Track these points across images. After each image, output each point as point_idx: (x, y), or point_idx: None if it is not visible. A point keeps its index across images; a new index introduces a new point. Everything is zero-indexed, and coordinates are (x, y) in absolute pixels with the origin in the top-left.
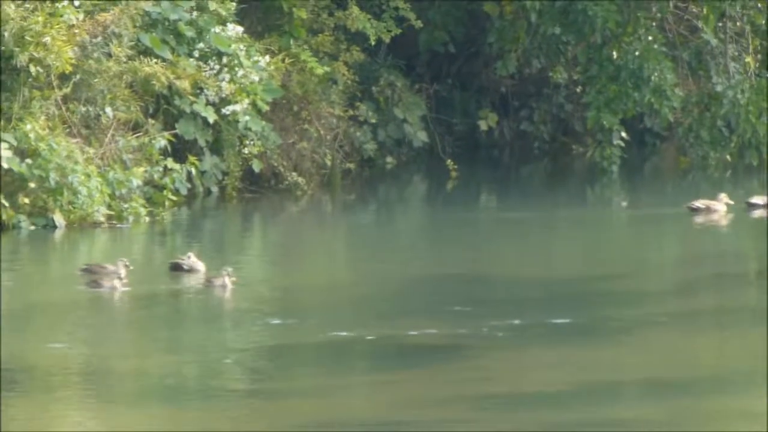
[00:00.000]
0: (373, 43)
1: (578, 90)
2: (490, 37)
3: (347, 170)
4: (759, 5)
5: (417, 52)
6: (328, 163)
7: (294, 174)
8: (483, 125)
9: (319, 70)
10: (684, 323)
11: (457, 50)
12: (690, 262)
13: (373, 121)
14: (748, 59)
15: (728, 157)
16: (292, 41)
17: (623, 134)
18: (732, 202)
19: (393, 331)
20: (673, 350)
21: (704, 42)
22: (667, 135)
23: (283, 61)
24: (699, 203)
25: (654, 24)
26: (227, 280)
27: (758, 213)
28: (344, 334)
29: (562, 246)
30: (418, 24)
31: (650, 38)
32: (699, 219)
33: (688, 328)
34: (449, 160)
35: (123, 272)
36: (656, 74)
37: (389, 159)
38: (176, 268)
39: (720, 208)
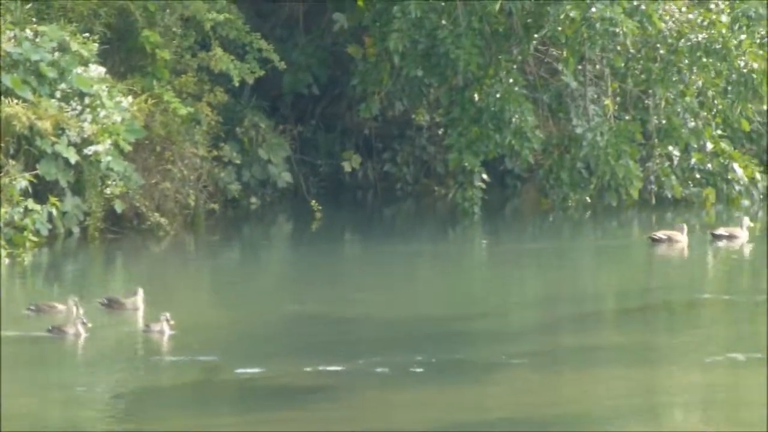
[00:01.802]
0: (236, 84)
1: (440, 132)
2: (353, 79)
3: (211, 211)
4: (618, 48)
5: (281, 93)
6: (192, 203)
7: (156, 214)
8: (347, 166)
9: (183, 111)
10: (545, 362)
11: (321, 92)
12: (552, 300)
13: (237, 161)
14: (607, 102)
15: (588, 198)
16: (155, 82)
17: (484, 176)
18: (688, 234)
19: (261, 372)
20: (535, 389)
21: (564, 84)
22: (527, 176)
23: (146, 101)
24: (661, 234)
25: (515, 66)
26: (165, 326)
27: (722, 244)
28: (210, 375)
29: (425, 286)
30: (282, 65)
31: (511, 81)
32: (660, 250)
33: (550, 367)
34: (313, 201)
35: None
36: (517, 116)
37: (253, 200)
38: (112, 304)
39: (682, 239)
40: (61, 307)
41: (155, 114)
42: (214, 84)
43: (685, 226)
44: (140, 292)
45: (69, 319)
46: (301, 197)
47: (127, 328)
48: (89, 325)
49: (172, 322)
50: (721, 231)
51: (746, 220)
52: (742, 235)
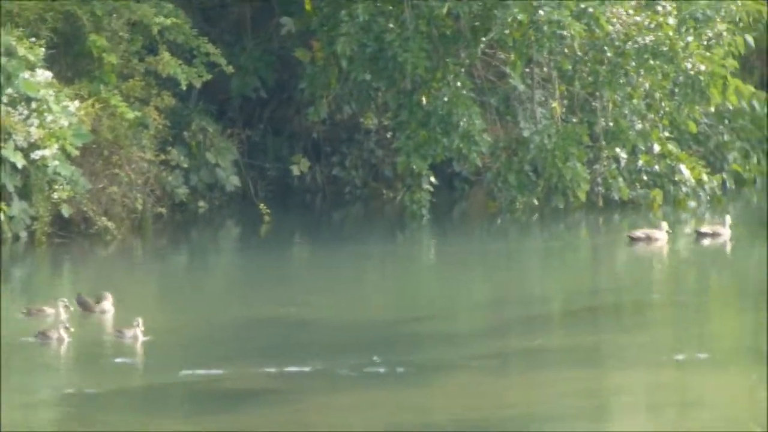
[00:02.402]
0: (184, 88)
1: (389, 135)
2: (301, 82)
3: (158, 215)
4: (565, 51)
5: (228, 97)
6: (139, 207)
7: (104, 219)
8: (295, 170)
9: (130, 115)
10: (493, 364)
11: (268, 96)
12: (500, 303)
13: (185, 165)
14: (555, 105)
15: (535, 201)
16: (102, 86)
17: (432, 179)
18: (671, 231)
19: (211, 374)
20: (482, 391)
21: (512, 87)
22: (475, 179)
23: (93, 106)
24: (639, 233)
25: (463, 70)
26: (138, 332)
27: (707, 242)
28: (160, 379)
29: (374, 289)
30: (230, 69)
31: (459, 84)
32: (639, 248)
33: (498, 369)
34: (262, 205)
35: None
36: (465, 120)
37: (201, 203)
38: (83, 305)
39: (661, 236)
40: (50, 310)
41: (102, 118)
42: (161, 88)
43: (665, 224)
44: (109, 296)
45: (55, 324)
46: (250, 201)
47: (103, 332)
48: (71, 330)
49: (142, 329)
50: (705, 229)
51: (728, 218)
52: (725, 232)
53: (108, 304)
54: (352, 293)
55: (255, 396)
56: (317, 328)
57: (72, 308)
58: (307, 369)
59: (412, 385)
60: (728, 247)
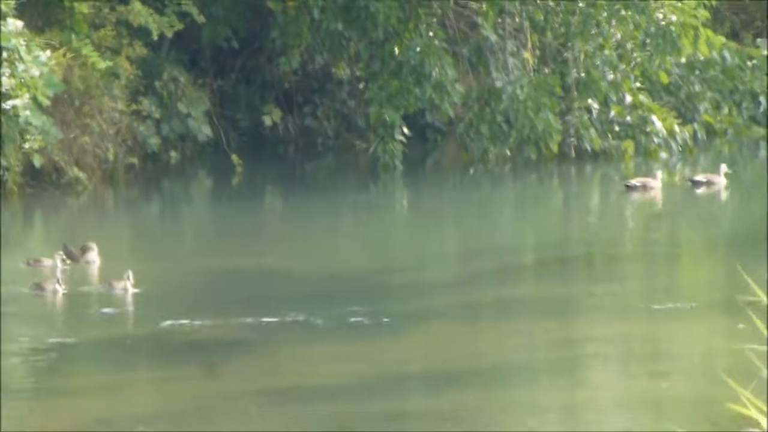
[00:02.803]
0: (155, 38)
1: (361, 86)
2: (273, 32)
3: (130, 165)
4: (537, 1)
5: (200, 47)
6: (111, 158)
7: (75, 169)
8: (267, 120)
9: (101, 65)
10: (464, 315)
11: (240, 46)
12: (472, 254)
13: (157, 115)
14: (527, 55)
15: (507, 151)
16: (73, 36)
17: (405, 130)
18: (663, 179)
19: (179, 326)
20: (454, 342)
21: (484, 38)
22: (448, 130)
23: (64, 55)
24: (635, 181)
25: (435, 20)
26: (128, 284)
27: (701, 190)
28: (130, 330)
29: (346, 240)
30: (201, 19)
31: (431, 34)
32: (635, 196)
33: (469, 319)
34: (234, 156)
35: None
36: (437, 70)
37: (173, 154)
38: (69, 255)
39: (656, 185)
40: (47, 261)
41: (74, 68)
42: (132, 38)
43: (660, 173)
44: (94, 247)
45: (51, 275)
46: (222, 151)
47: (94, 284)
48: (63, 286)
49: (132, 281)
50: (699, 177)
51: (723, 167)
52: (719, 181)
53: (94, 255)
54: (326, 244)
55: (232, 346)
56: (292, 279)
57: (68, 261)
58: (283, 319)
59: (386, 336)
60: (722, 196)
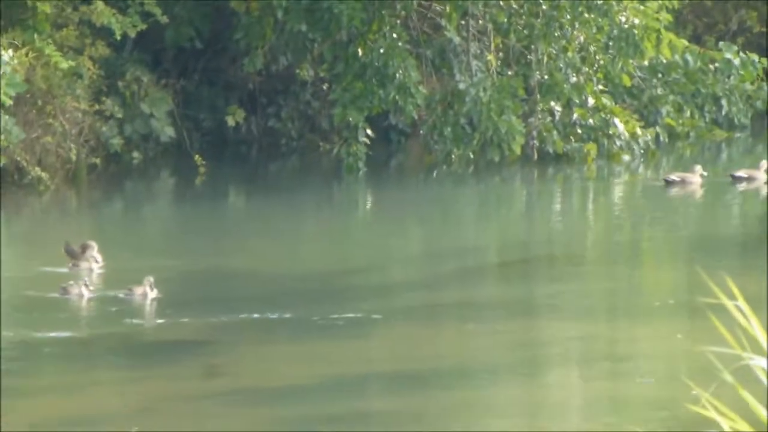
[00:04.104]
0: (118, 38)
1: (324, 87)
2: (236, 33)
3: (93, 165)
4: (501, 3)
5: (163, 47)
6: (73, 157)
7: (38, 169)
8: (230, 121)
9: (64, 65)
10: (427, 316)
11: (204, 46)
12: (434, 256)
13: (119, 116)
14: (490, 57)
15: (471, 153)
16: (36, 36)
17: (369, 131)
18: (706, 174)
19: (140, 327)
20: (416, 343)
21: (447, 40)
22: (411, 132)
23: (26, 55)
24: (674, 176)
25: (398, 22)
26: (148, 290)
27: (743, 186)
28: (90, 330)
29: (310, 241)
30: (164, 19)
31: (395, 36)
32: (674, 191)
33: (431, 321)
34: (197, 156)
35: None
36: (401, 72)
37: (136, 154)
38: (70, 253)
39: (695, 180)
40: (84, 264)
41: (36, 68)
42: (95, 38)
43: (699, 167)
44: (94, 245)
45: (78, 279)
46: (185, 152)
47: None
48: (91, 288)
49: (153, 286)
50: (740, 173)
51: (764, 163)
52: (761, 176)
53: (94, 252)
54: (289, 244)
55: (194, 346)
56: (255, 279)
57: (100, 263)
58: (245, 319)
59: (347, 337)
60: (764, 191)
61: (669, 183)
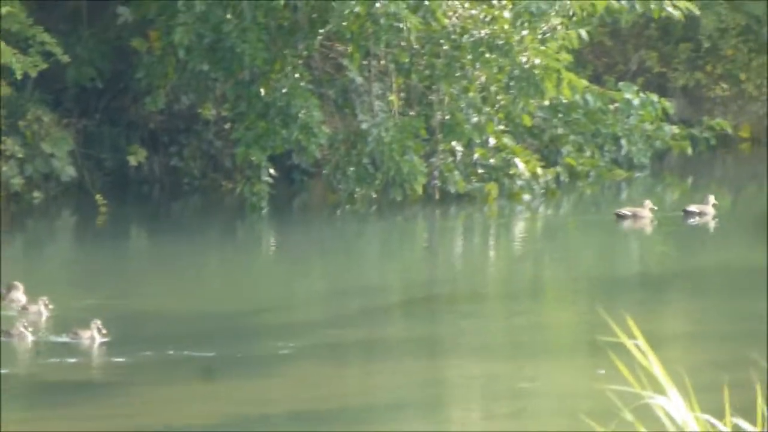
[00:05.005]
0: (19, 77)
1: (227, 126)
2: (138, 72)
3: None
4: (402, 44)
5: (65, 86)
6: None
7: None
8: (132, 160)
9: None
10: (330, 355)
11: (105, 85)
12: (338, 294)
13: (20, 155)
14: (392, 97)
15: (373, 193)
16: None
17: (272, 171)
18: (656, 208)
19: (43, 365)
20: (318, 382)
21: (350, 80)
22: (315, 172)
23: None
24: (626, 210)
25: (301, 62)
26: (95, 332)
27: (694, 221)
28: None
29: (212, 281)
30: (65, 59)
31: (297, 76)
32: (626, 225)
33: (334, 360)
34: (98, 195)
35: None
36: (303, 111)
37: (36, 194)
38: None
39: (646, 214)
40: (33, 307)
41: None
42: None
43: (649, 202)
44: (20, 285)
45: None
46: (86, 191)
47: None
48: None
49: (51, 306)
50: (692, 208)
51: (711, 198)
52: (710, 211)
53: (19, 294)
54: (191, 285)
55: (88, 387)
56: (153, 320)
57: (51, 306)
58: (141, 360)
59: (249, 376)
60: (711, 226)
61: (620, 217)
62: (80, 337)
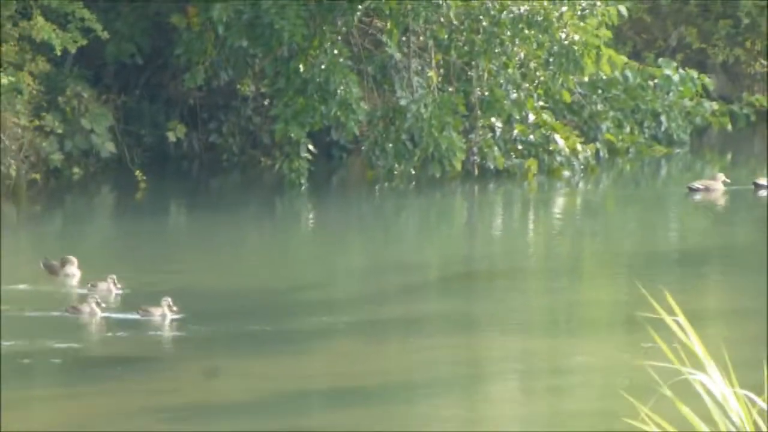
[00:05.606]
0: (59, 53)
1: (266, 103)
2: (177, 48)
3: (33, 181)
4: (441, 20)
5: (104, 62)
6: (13, 173)
7: None
8: (171, 136)
9: (4, 81)
10: (369, 331)
11: (144, 61)
12: (377, 271)
13: (60, 131)
14: (431, 74)
15: (412, 169)
16: None
17: (311, 147)
18: (728, 181)
19: (77, 343)
20: (358, 358)
21: (388, 56)
22: (353, 148)
23: None
24: (698, 183)
25: (339, 38)
26: (167, 309)
27: (699, 197)
28: (25, 345)
29: (252, 257)
30: (105, 35)
31: (336, 52)
32: (697, 198)
33: (374, 336)
34: (138, 171)
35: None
36: (342, 88)
37: (76, 170)
38: (49, 268)
39: (718, 187)
40: (102, 284)
41: None
42: (35, 53)
43: (722, 175)
44: (74, 260)
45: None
46: (125, 167)
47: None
48: (103, 305)
49: (174, 308)
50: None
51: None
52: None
53: (73, 268)
54: (231, 260)
55: (134, 362)
56: (196, 295)
57: (119, 286)
58: (181, 336)
59: (289, 353)
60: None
61: (692, 190)
62: (151, 314)
